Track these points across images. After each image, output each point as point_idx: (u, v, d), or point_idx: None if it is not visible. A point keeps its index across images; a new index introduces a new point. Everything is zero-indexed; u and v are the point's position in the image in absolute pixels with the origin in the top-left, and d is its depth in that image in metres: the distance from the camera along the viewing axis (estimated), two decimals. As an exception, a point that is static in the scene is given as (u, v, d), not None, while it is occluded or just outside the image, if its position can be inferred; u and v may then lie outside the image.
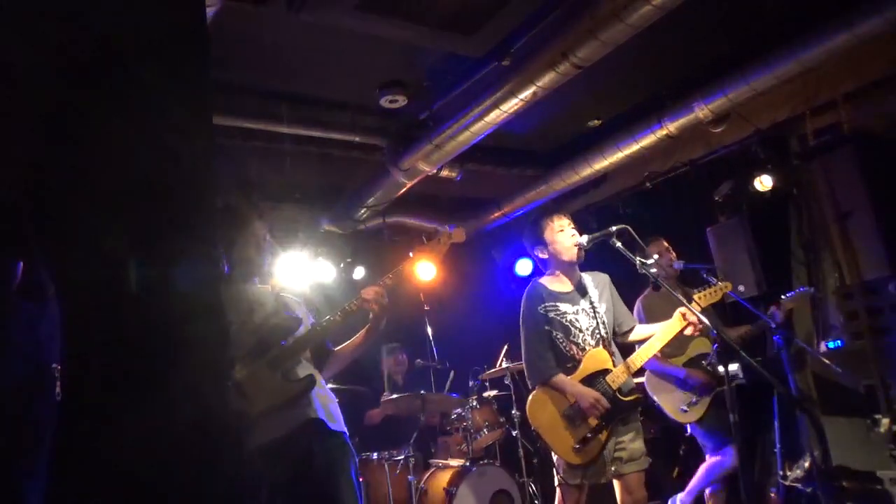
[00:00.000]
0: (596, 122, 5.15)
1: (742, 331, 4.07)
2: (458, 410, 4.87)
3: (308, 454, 2.37)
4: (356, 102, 4.46)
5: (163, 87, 1.23)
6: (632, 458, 3.03)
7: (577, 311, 3.17)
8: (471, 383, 5.21)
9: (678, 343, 3.62)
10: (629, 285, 4.23)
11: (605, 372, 3.09)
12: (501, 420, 4.92)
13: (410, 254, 2.76)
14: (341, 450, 2.46)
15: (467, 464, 4.50)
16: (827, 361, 3.82)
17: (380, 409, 5.08)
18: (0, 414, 0.97)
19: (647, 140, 4.63)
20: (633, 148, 4.72)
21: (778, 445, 4.16)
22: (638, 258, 2.96)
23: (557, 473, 3.15)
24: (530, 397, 3.16)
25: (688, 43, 4.08)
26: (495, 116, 4.07)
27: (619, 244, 2.99)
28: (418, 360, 5.35)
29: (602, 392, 3.03)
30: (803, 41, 3.67)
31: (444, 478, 4.48)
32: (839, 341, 4.01)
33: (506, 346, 4.95)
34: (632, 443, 3.05)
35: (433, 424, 5.29)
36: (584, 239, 3.12)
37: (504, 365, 4.86)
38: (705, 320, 2.88)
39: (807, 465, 4.03)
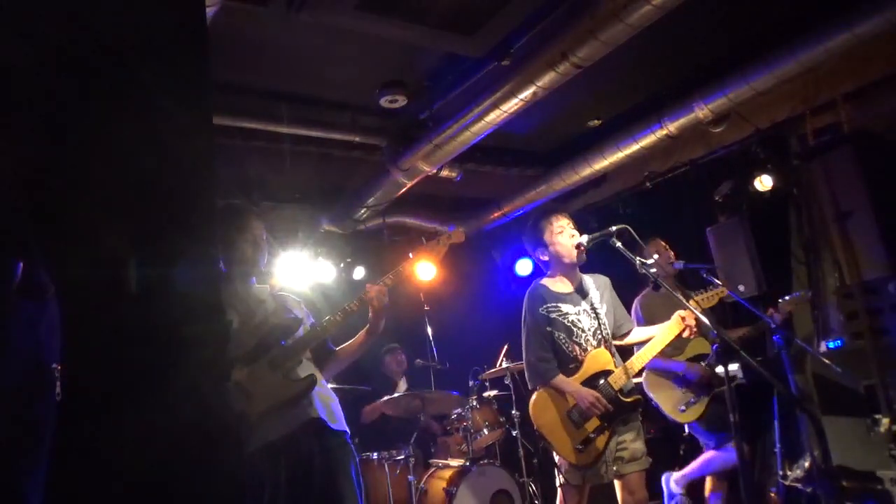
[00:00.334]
0: (596, 122, 5.15)
1: (741, 332, 4.07)
2: (458, 410, 4.87)
3: (309, 454, 2.37)
4: (356, 102, 4.46)
5: (163, 87, 1.24)
6: (633, 458, 3.04)
7: (579, 311, 3.18)
8: (471, 383, 5.20)
9: (677, 344, 3.63)
10: (629, 286, 4.24)
11: (607, 373, 3.09)
12: (501, 420, 4.92)
13: (410, 254, 2.76)
14: (342, 450, 2.46)
15: (467, 464, 4.50)
16: (827, 361, 3.82)
17: (375, 406, 5.06)
18: (0, 414, 0.97)
19: (647, 140, 4.63)
20: (633, 148, 4.73)
21: (778, 445, 4.16)
22: (638, 258, 2.96)
23: (559, 473, 3.16)
24: (533, 398, 3.16)
25: (688, 43, 4.08)
26: (495, 116, 4.07)
27: (619, 244, 3.00)
28: (418, 360, 5.35)
29: (604, 393, 3.04)
30: (803, 41, 3.67)
31: (444, 478, 4.48)
32: (839, 341, 4.01)
33: (506, 346, 4.95)
34: (633, 443, 3.06)
35: (433, 425, 5.30)
36: (584, 239, 3.13)
37: (504, 365, 4.86)
38: (705, 320, 2.88)
39: (807, 464, 4.03)
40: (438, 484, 4.47)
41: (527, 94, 3.83)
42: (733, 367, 4.07)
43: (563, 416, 3.06)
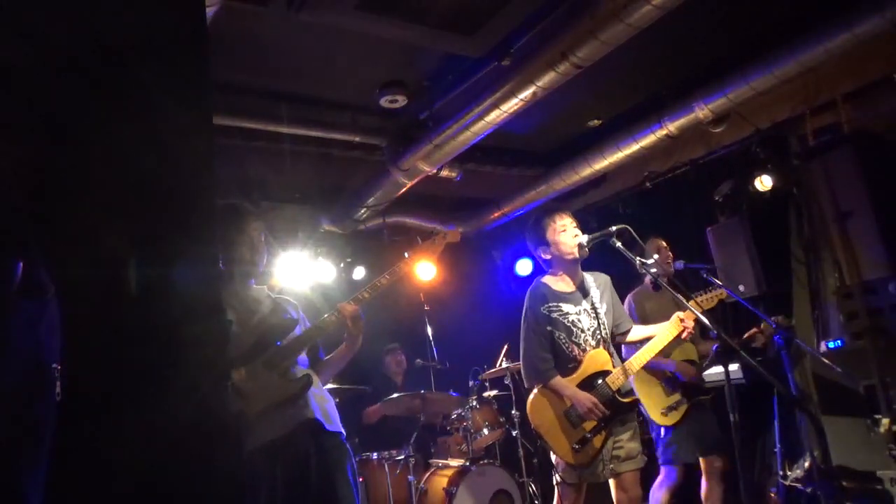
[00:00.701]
0: (596, 122, 5.15)
1: (757, 344, 4.07)
2: (458, 410, 4.87)
3: (306, 454, 2.37)
4: (356, 102, 4.46)
5: (163, 87, 1.24)
6: (629, 457, 3.05)
7: (580, 311, 3.18)
8: (471, 383, 5.20)
9: (664, 349, 3.62)
10: (628, 286, 4.24)
11: (605, 373, 3.10)
12: (501, 420, 4.92)
13: (406, 254, 2.76)
14: (339, 450, 2.46)
15: (467, 464, 4.50)
16: (827, 361, 3.82)
17: (378, 407, 5.08)
18: (0, 414, 0.97)
19: (647, 140, 4.63)
20: (633, 148, 4.72)
21: (778, 445, 4.15)
22: (638, 258, 2.97)
23: (556, 473, 3.16)
24: (530, 398, 3.17)
25: (688, 43, 4.08)
26: (495, 116, 4.07)
27: (619, 244, 3.00)
28: (418, 360, 5.35)
29: (602, 393, 3.04)
30: (803, 41, 3.67)
31: (444, 478, 4.48)
32: (839, 341, 4.00)
33: (506, 346, 4.96)
34: (629, 442, 3.07)
35: (433, 424, 5.29)
36: (585, 239, 3.13)
37: (504, 365, 4.87)
38: (705, 320, 2.88)
39: (807, 465, 4.02)
40: (438, 484, 4.47)
41: (527, 94, 3.83)
42: (733, 367, 4.08)
43: (560, 417, 3.07)
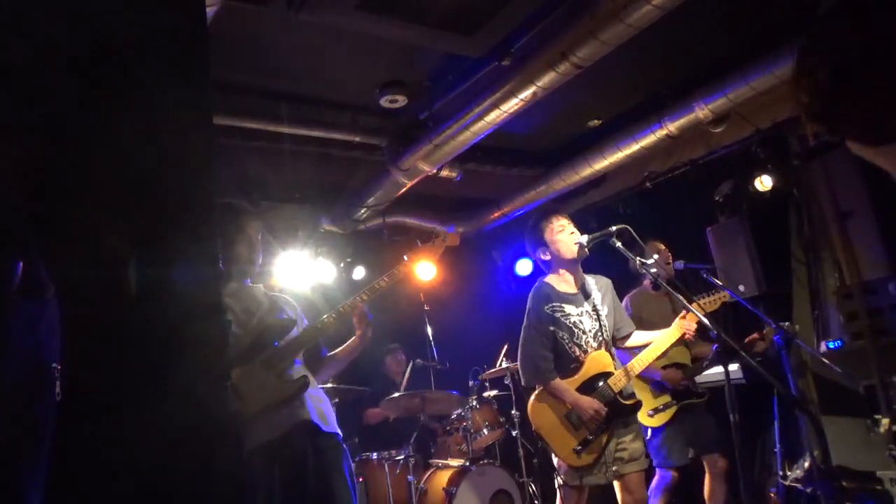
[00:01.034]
0: (596, 122, 5.15)
1: (759, 349, 4.06)
2: (458, 410, 4.87)
3: (303, 455, 2.38)
4: (356, 102, 4.46)
5: (163, 87, 1.24)
6: (633, 458, 3.04)
7: (582, 312, 3.18)
8: (471, 383, 5.20)
9: None
10: (628, 288, 4.24)
11: (607, 375, 3.09)
12: (501, 420, 4.91)
13: (405, 257, 2.77)
14: (336, 451, 2.47)
15: (467, 464, 4.50)
16: (827, 361, 3.82)
17: (379, 409, 5.08)
18: (0, 414, 0.97)
19: (647, 140, 4.63)
20: (633, 148, 4.72)
21: (778, 445, 4.15)
22: (638, 258, 2.97)
23: (558, 475, 3.16)
24: (531, 400, 3.17)
25: (688, 43, 4.08)
26: (495, 116, 4.07)
27: (619, 244, 3.00)
28: (417, 360, 5.35)
29: (603, 395, 3.04)
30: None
31: (444, 478, 4.48)
32: (839, 341, 4.00)
33: (506, 346, 4.95)
34: (632, 443, 3.07)
35: (433, 425, 5.29)
36: (584, 239, 3.13)
37: (504, 365, 4.86)
38: (707, 322, 2.88)
39: (807, 465, 4.02)
40: (438, 484, 4.47)
41: (527, 94, 3.83)
42: (733, 367, 4.07)
43: (561, 419, 3.07)
